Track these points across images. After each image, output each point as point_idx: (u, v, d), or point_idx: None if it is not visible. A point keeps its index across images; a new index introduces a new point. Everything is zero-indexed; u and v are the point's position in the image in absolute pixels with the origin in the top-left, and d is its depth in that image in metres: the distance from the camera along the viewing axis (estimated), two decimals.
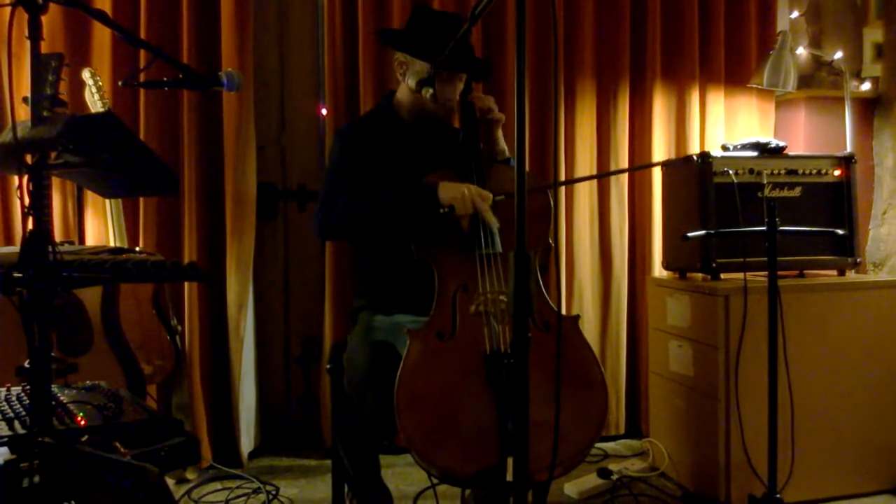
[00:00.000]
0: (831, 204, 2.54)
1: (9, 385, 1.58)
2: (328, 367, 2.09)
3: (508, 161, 2.09)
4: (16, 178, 1.21)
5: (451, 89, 2.07)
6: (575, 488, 2.45)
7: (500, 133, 2.11)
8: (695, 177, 2.49)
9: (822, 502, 2.37)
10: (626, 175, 3.00)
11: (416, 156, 2.12)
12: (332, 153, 2.20)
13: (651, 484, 2.54)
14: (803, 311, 2.34)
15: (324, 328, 2.80)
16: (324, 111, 2.90)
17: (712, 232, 2.38)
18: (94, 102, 2.28)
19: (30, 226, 1.18)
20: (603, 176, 3.02)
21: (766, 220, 1.99)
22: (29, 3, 1.16)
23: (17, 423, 1.31)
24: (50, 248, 1.19)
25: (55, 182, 2.54)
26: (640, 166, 3.03)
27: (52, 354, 1.21)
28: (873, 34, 3.06)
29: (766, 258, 2.00)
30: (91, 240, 2.62)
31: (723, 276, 2.43)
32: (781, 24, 3.12)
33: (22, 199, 1.19)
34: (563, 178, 2.93)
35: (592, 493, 2.45)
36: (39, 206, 1.18)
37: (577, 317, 1.94)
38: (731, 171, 2.44)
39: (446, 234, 1.89)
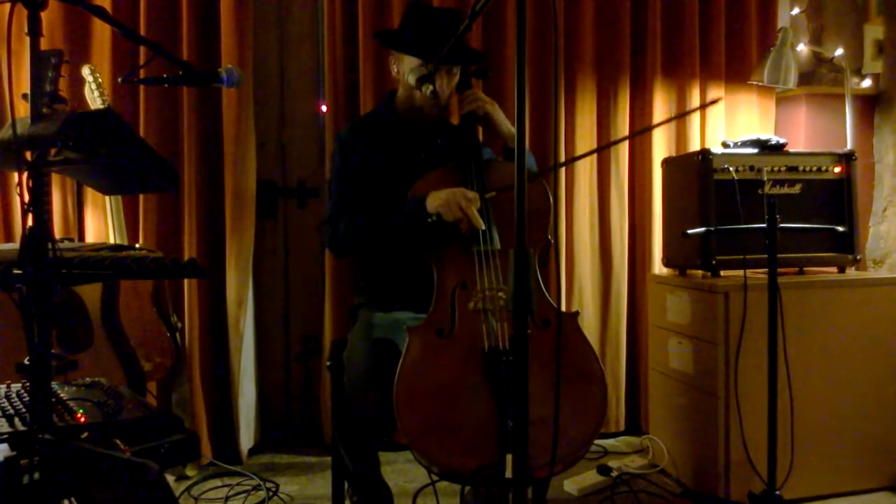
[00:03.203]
0: (831, 201, 2.54)
1: (9, 382, 1.58)
2: (328, 364, 2.09)
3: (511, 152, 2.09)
4: (15, 175, 1.21)
5: (446, 83, 2.08)
6: (574, 485, 2.45)
7: (501, 118, 2.10)
8: (695, 174, 2.49)
9: (822, 499, 2.37)
10: (626, 172, 3.00)
11: (416, 154, 2.12)
12: (332, 160, 2.22)
13: (651, 481, 2.55)
14: (803, 308, 2.34)
15: (324, 325, 2.80)
16: (324, 108, 2.90)
17: (712, 229, 2.38)
18: (94, 99, 2.28)
19: (29, 222, 1.18)
20: (600, 150, 2.97)
21: (767, 217, 1.99)
22: None
23: (17, 420, 1.30)
24: (50, 245, 1.18)
25: (55, 179, 2.54)
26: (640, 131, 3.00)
27: (52, 351, 1.20)
28: (874, 31, 3.05)
29: (766, 255, 2.01)
30: (91, 237, 2.62)
31: (723, 273, 2.42)
32: (782, 21, 3.12)
33: (22, 195, 1.18)
34: (563, 176, 2.92)
35: (592, 490, 2.45)
36: (39, 203, 1.18)
37: (577, 313, 1.94)
38: (731, 168, 2.44)
39: (448, 237, 1.89)
